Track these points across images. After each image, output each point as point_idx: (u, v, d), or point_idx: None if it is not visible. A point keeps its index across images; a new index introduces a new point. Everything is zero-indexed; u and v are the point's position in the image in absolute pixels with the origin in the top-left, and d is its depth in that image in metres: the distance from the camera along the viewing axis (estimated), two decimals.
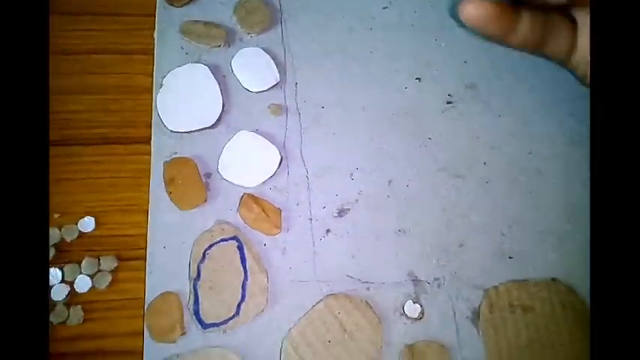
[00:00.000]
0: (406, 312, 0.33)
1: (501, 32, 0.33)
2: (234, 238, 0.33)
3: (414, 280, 0.34)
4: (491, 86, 0.40)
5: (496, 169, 0.37)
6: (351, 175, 0.36)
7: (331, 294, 0.32)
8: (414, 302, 0.33)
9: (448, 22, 0.42)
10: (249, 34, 0.39)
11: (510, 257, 0.35)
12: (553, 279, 0.34)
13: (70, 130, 0.35)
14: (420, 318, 0.33)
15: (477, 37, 0.41)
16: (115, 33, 0.38)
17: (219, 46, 0.38)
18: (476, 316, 0.33)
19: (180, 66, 0.37)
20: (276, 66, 0.38)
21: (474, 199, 0.36)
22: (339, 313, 0.32)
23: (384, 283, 0.33)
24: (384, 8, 0.42)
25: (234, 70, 0.38)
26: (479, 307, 0.33)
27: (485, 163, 0.38)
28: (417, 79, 0.40)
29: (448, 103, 0.39)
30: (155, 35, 0.38)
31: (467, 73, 0.41)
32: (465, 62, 0.41)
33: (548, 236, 0.36)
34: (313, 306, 0.32)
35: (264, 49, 0.39)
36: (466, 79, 0.40)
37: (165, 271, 0.32)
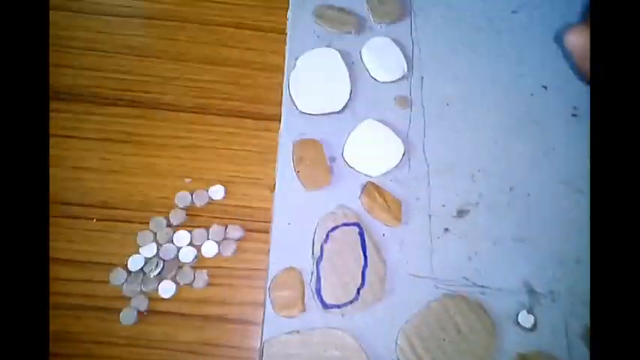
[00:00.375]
0: (520, 321, 0.32)
1: None
2: (356, 224, 0.33)
3: (529, 291, 0.33)
4: None
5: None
6: (473, 176, 0.36)
7: (448, 294, 0.32)
8: (528, 312, 0.33)
9: None
10: (379, 23, 0.39)
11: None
12: None
13: (204, 99, 0.36)
14: (533, 329, 0.32)
15: None
16: (252, 9, 0.39)
17: (350, 32, 0.39)
18: (587, 334, 0.32)
19: (310, 49, 0.38)
20: (404, 58, 0.38)
21: None
22: (454, 314, 0.32)
23: (499, 290, 0.33)
24: (514, 12, 0.42)
25: (363, 58, 0.38)
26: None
27: None
28: (543, 86, 0.39)
29: (573, 115, 0.38)
30: (289, 15, 0.39)
31: None
32: None
33: None
34: (429, 303, 0.32)
35: (394, 40, 0.39)
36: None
37: (288, 246, 0.32)
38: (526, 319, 0.32)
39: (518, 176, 0.36)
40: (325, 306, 0.31)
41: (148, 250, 0.32)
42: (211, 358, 0.30)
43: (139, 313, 0.31)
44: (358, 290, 0.31)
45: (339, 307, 0.31)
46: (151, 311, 0.31)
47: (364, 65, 0.38)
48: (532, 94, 0.39)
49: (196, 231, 0.32)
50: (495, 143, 0.37)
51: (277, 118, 0.36)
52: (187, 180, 0.34)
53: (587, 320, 0.33)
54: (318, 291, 0.31)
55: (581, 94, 0.39)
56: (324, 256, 0.32)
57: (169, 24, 0.38)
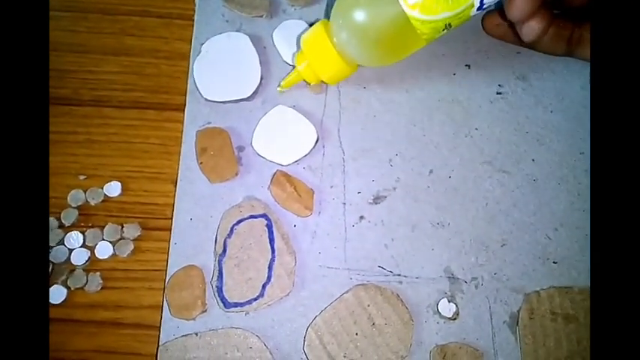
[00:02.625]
0: (440, 310, 0.30)
1: (525, 44, 0.34)
2: (264, 215, 0.31)
3: (450, 278, 0.31)
4: (543, 79, 0.38)
5: (545, 166, 0.35)
6: (390, 160, 0.34)
7: (361, 284, 0.30)
8: (449, 301, 0.31)
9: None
10: (293, 5, 0.38)
11: (555, 262, 0.32)
12: None
13: (103, 92, 0.34)
14: (455, 318, 0.30)
15: None
16: None
17: (262, 16, 0.37)
18: (514, 321, 0.31)
19: (219, 34, 0.36)
20: None
21: (520, 196, 0.34)
22: (368, 305, 0.30)
23: (417, 278, 0.31)
24: None
25: (275, 42, 0.36)
26: (518, 311, 0.31)
27: (533, 160, 0.35)
28: (466, 65, 0.38)
29: (498, 93, 0.37)
30: (196, 1, 0.37)
31: (518, 64, 0.38)
32: (518, 53, 0.38)
33: None
34: (342, 295, 0.30)
35: (308, 23, 0.37)
36: (517, 70, 0.38)
37: (190, 243, 0.30)
38: (447, 308, 0.31)
39: (438, 159, 0.34)
40: (227, 305, 0.29)
41: None
42: None
43: None
44: (264, 286, 0.29)
45: (242, 305, 0.29)
46: None
47: (276, 49, 0.36)
48: (454, 74, 0.37)
49: (90, 231, 0.30)
50: (414, 126, 0.35)
51: (182, 109, 0.34)
52: (82, 177, 0.31)
53: (513, 306, 0.31)
54: (220, 289, 0.29)
55: (506, 71, 0.38)
56: (227, 252, 0.30)
57: (69, 15, 0.36)
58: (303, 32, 0.35)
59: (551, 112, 0.37)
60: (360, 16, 0.29)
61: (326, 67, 0.32)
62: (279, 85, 0.34)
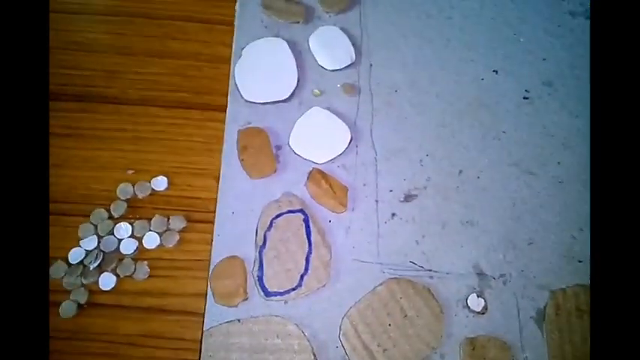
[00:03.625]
0: (469, 305, 0.32)
1: None
2: (301, 210, 0.33)
3: (479, 274, 0.33)
4: (568, 85, 0.39)
5: (570, 169, 0.36)
6: (421, 161, 0.35)
7: (394, 278, 0.32)
8: (478, 296, 0.32)
9: (528, 17, 0.41)
10: (327, 12, 0.39)
11: (580, 261, 0.34)
12: None
13: (149, 92, 0.36)
14: (483, 313, 0.32)
15: (556, 35, 0.40)
16: (201, 2, 0.39)
17: (298, 22, 0.39)
18: (541, 317, 0.32)
19: (258, 39, 0.37)
20: (353, 46, 0.38)
21: (546, 197, 0.35)
22: (400, 298, 0.31)
23: (448, 274, 0.32)
24: None
25: (310, 47, 0.38)
26: (544, 307, 0.32)
27: (559, 163, 0.36)
28: (494, 71, 0.39)
29: (525, 98, 0.38)
30: (237, 7, 0.39)
31: (545, 70, 0.39)
32: (544, 60, 0.40)
33: None
34: (375, 287, 0.31)
35: (342, 29, 0.39)
36: (543, 76, 0.39)
37: (232, 235, 0.32)
38: (476, 303, 0.32)
39: (467, 159, 0.36)
40: (267, 294, 0.30)
41: (89, 242, 0.31)
42: (152, 350, 0.30)
43: (79, 305, 0.30)
44: (302, 277, 0.31)
45: (281, 294, 0.30)
46: (91, 304, 0.30)
47: (312, 54, 0.38)
48: (482, 79, 0.39)
49: (138, 222, 0.32)
50: (444, 128, 0.36)
51: (224, 109, 0.36)
52: (129, 171, 0.33)
53: (540, 302, 0.32)
54: (260, 279, 0.31)
55: (532, 77, 0.39)
56: (267, 244, 0.32)
57: (117, 19, 0.38)
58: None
59: (577, 116, 0.38)
60: None
61: None
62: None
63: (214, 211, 0.33)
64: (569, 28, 0.41)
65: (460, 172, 0.35)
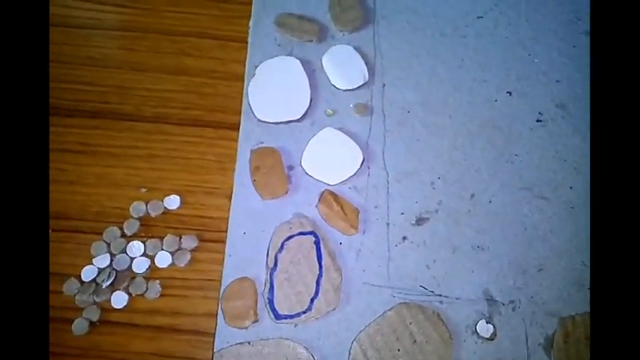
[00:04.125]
0: (478, 331, 0.32)
1: None
2: (312, 232, 0.33)
3: (488, 300, 0.33)
4: (581, 109, 0.39)
5: (582, 194, 0.36)
6: (433, 183, 0.35)
7: (403, 302, 0.32)
8: (487, 322, 0.32)
9: (542, 37, 0.41)
10: (341, 31, 0.39)
11: (590, 289, 0.33)
12: None
13: (163, 109, 0.36)
14: (492, 339, 0.32)
15: (570, 57, 0.40)
16: (215, 18, 0.39)
17: (312, 40, 0.39)
18: (549, 344, 0.32)
19: (272, 57, 0.38)
20: (366, 65, 0.38)
21: (557, 222, 0.35)
22: (410, 323, 0.31)
23: (458, 299, 0.32)
24: (479, 17, 0.41)
25: (324, 66, 0.38)
26: (553, 334, 0.32)
27: (571, 187, 0.36)
28: (507, 92, 0.39)
29: (538, 121, 0.38)
30: (250, 24, 0.39)
31: (558, 92, 0.39)
32: (558, 81, 0.40)
33: None
34: (385, 312, 0.31)
35: (355, 48, 0.39)
36: (557, 99, 0.39)
37: (243, 256, 0.32)
38: (485, 329, 0.32)
39: (479, 183, 0.36)
40: (278, 316, 0.31)
41: (101, 260, 0.32)
42: None
43: (92, 323, 0.30)
44: (312, 300, 0.31)
45: (292, 317, 0.31)
46: (102, 321, 0.31)
47: (325, 73, 0.38)
48: (496, 100, 0.38)
49: (150, 241, 0.32)
50: (456, 150, 0.36)
51: (237, 127, 0.36)
52: (143, 190, 0.34)
53: (548, 329, 0.32)
54: (271, 301, 0.31)
55: (546, 99, 0.39)
56: (278, 266, 0.32)
57: (131, 34, 0.39)
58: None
59: (589, 141, 0.38)
60: None
61: None
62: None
63: (226, 231, 0.33)
64: (584, 49, 0.41)
65: (472, 195, 0.35)
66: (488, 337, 0.32)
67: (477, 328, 0.32)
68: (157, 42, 0.38)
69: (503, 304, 0.33)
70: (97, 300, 0.31)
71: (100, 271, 0.32)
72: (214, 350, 0.30)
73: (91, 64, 0.37)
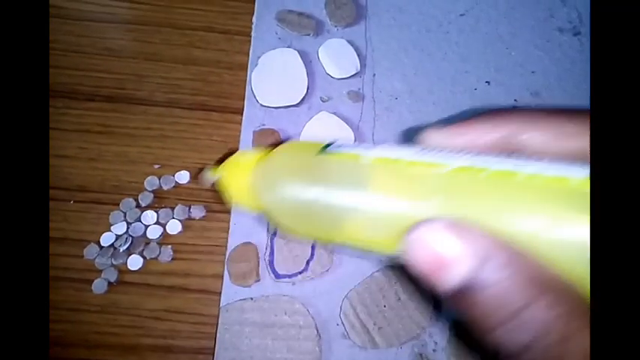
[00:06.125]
0: None
1: None
2: None
3: None
4: (555, 97, 0.43)
5: None
6: None
7: (391, 265, 0.35)
8: None
9: (520, 33, 0.45)
10: (336, 26, 0.43)
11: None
12: None
13: (174, 95, 0.40)
14: None
15: (545, 50, 0.44)
16: (221, 14, 0.43)
17: (309, 34, 0.43)
18: None
19: (273, 49, 0.41)
20: (358, 57, 0.42)
21: None
22: (395, 283, 0.35)
23: None
24: (461, 15, 0.45)
25: (320, 57, 0.42)
26: None
27: None
28: (486, 82, 0.43)
29: (514, 107, 0.42)
30: (254, 20, 0.43)
31: (533, 82, 0.43)
32: (533, 72, 0.44)
33: None
34: (373, 273, 0.35)
35: (349, 41, 0.42)
36: (532, 87, 0.43)
37: (247, 224, 0.36)
38: None
39: None
40: (277, 276, 0.34)
41: (119, 227, 0.35)
42: (174, 324, 0.33)
43: (110, 283, 0.34)
44: (308, 262, 0.35)
45: (290, 276, 0.34)
46: (120, 282, 0.34)
47: (321, 63, 0.42)
48: (475, 89, 0.42)
49: (162, 210, 0.36)
50: None
51: (240, 112, 0.39)
52: (156, 166, 0.37)
53: None
54: (272, 263, 0.34)
55: (521, 88, 0.43)
56: (277, 232, 0.35)
57: (145, 28, 0.42)
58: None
59: None
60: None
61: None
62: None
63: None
64: (557, 43, 0.45)
65: None
66: None
67: None
68: (169, 35, 0.42)
69: None
70: (114, 263, 0.34)
71: (118, 237, 0.35)
72: (220, 306, 0.33)
73: (109, 54, 0.41)
